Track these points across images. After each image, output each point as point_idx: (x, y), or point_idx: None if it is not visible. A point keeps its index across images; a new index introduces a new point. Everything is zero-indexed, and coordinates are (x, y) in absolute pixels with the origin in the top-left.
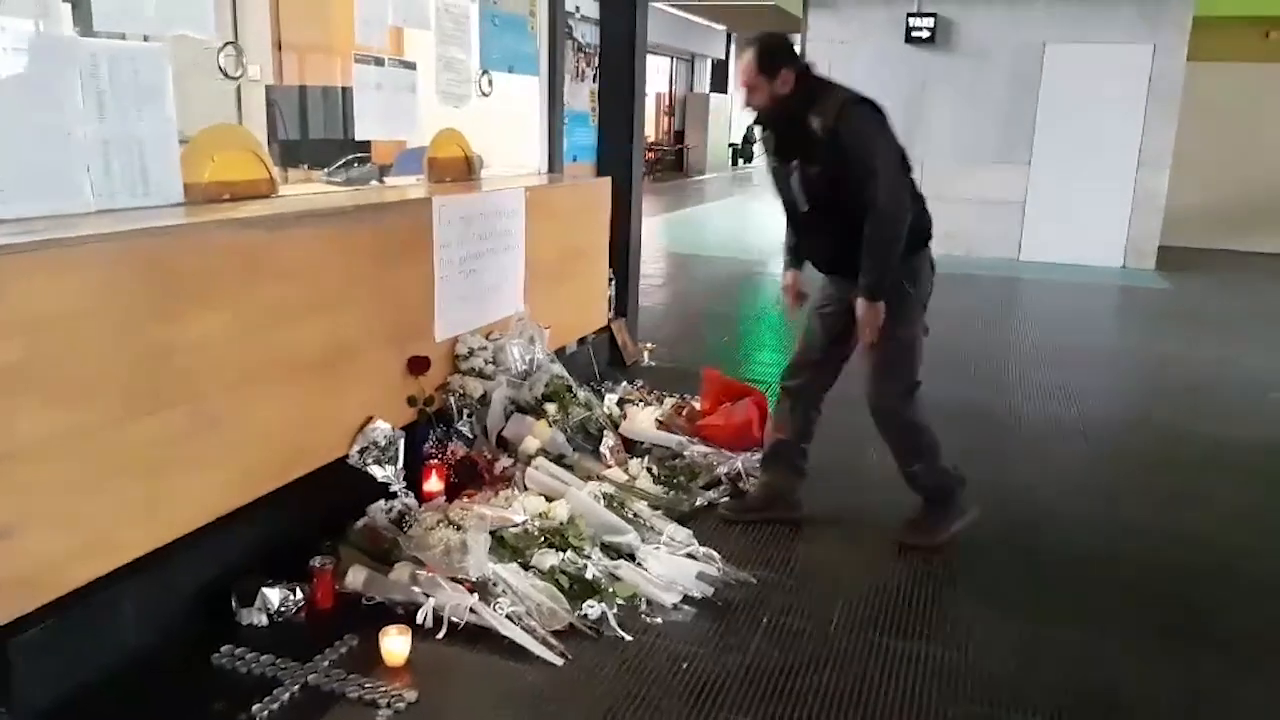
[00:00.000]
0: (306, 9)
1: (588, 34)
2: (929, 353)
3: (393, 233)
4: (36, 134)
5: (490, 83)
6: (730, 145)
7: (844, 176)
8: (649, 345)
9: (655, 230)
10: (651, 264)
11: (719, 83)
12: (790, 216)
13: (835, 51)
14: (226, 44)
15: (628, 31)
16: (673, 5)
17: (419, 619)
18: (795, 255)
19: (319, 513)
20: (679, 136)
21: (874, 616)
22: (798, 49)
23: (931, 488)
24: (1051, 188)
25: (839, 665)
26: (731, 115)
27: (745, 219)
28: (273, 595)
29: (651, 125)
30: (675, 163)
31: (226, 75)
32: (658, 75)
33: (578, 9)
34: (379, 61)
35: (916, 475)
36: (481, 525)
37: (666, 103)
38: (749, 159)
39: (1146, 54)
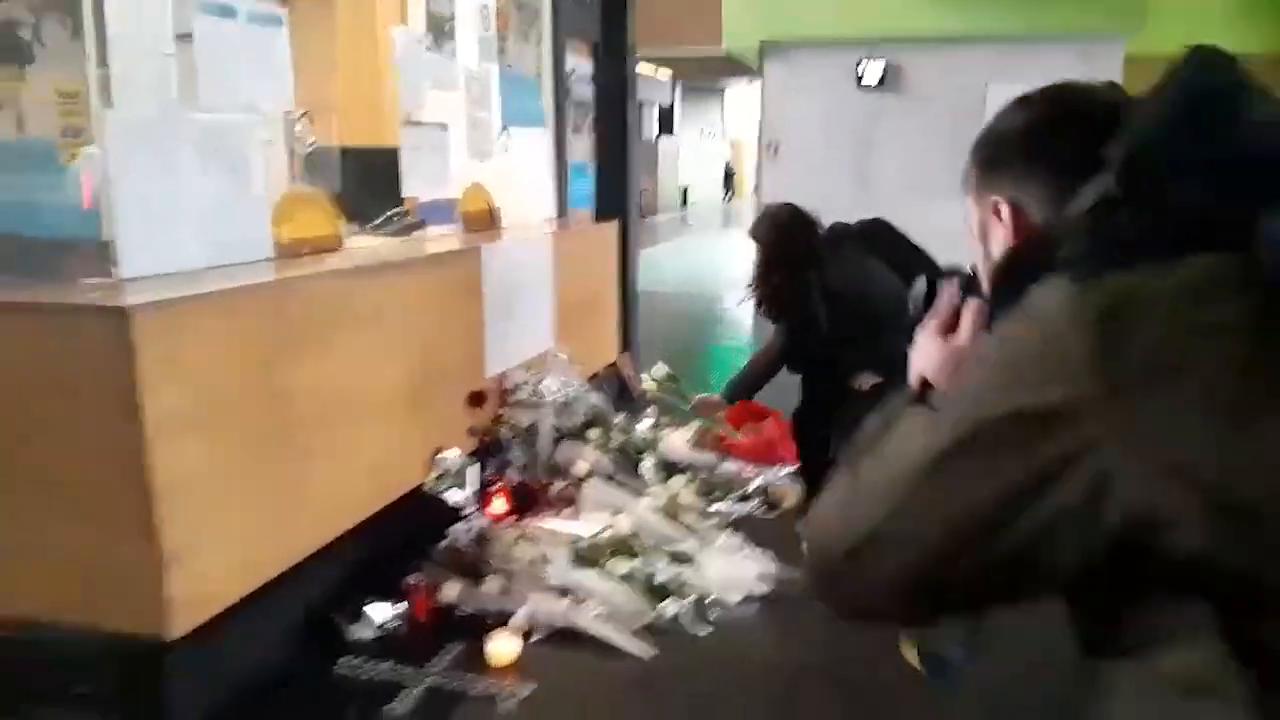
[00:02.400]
0: (333, 75)
1: (583, 91)
2: None
3: (450, 278)
4: (154, 200)
5: (509, 138)
6: (680, 188)
7: None
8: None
9: None
10: None
11: (666, 127)
12: None
13: (790, 98)
14: (303, 114)
15: (619, 87)
16: None
17: (514, 623)
18: None
19: (404, 537)
20: None
21: None
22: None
23: None
24: None
25: (892, 646)
26: (679, 158)
27: (695, 257)
28: (377, 611)
29: None
30: None
31: (301, 144)
32: None
33: (574, 69)
34: (419, 124)
35: None
36: (556, 539)
37: None
38: (730, 193)
39: None
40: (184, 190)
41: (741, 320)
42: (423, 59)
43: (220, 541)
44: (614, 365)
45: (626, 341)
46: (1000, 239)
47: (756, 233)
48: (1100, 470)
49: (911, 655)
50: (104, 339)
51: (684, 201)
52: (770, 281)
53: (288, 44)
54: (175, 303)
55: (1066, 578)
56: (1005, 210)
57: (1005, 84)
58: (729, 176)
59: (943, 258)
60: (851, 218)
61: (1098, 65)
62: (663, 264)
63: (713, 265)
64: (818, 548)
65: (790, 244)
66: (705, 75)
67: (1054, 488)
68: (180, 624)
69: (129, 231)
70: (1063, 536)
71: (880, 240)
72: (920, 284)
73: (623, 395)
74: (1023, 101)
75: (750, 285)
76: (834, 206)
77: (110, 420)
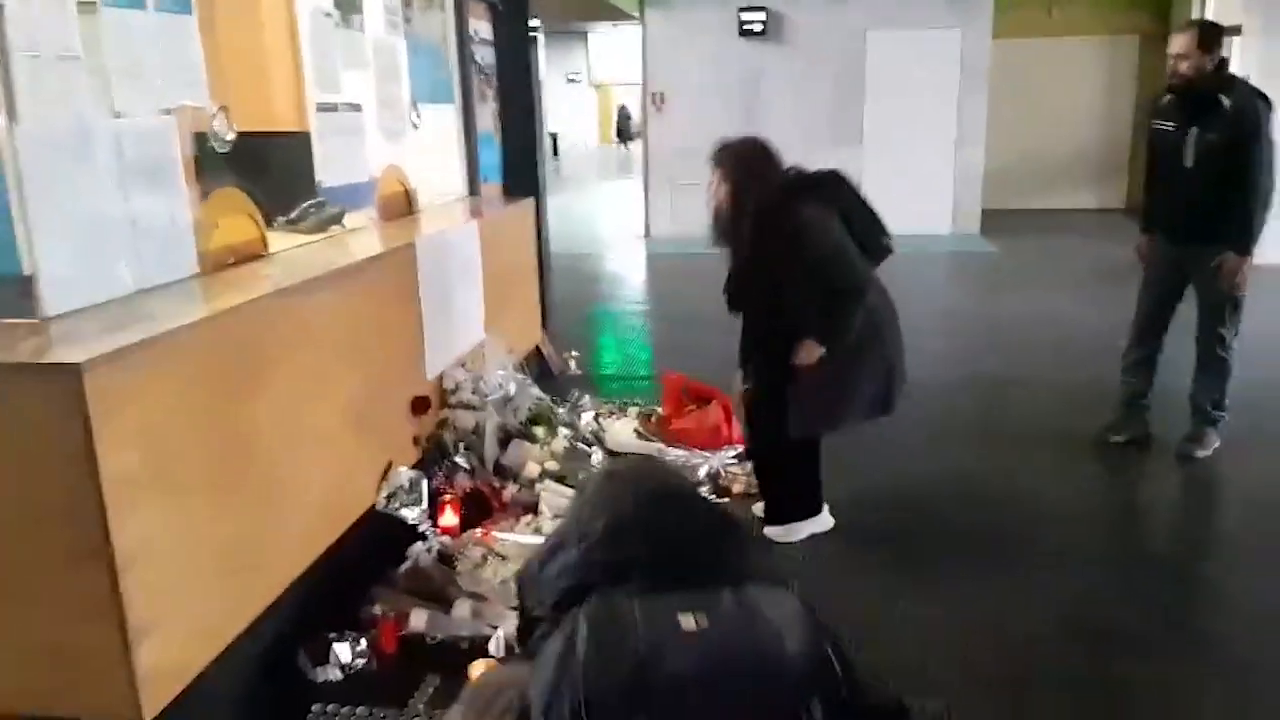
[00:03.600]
0: (231, 54)
1: (485, 56)
2: None
3: (389, 280)
4: (76, 223)
5: (419, 115)
6: (550, 134)
7: (1235, 145)
8: (573, 354)
9: None
10: None
11: None
12: (1163, 176)
13: (672, 48)
14: (220, 109)
15: (523, 52)
16: None
17: (492, 649)
18: (1150, 220)
19: (360, 563)
20: None
21: (877, 580)
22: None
23: (1211, 413)
24: (883, 165)
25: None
26: (546, 105)
27: (586, 211)
28: (342, 650)
29: None
30: None
31: (219, 138)
32: None
33: (476, 33)
34: (333, 108)
35: (1208, 406)
36: (526, 553)
37: None
38: (626, 138)
39: (956, 37)
40: (105, 208)
41: (629, 278)
42: (332, 35)
43: (187, 606)
44: (536, 346)
45: (545, 318)
46: None
47: (720, 158)
48: None
49: None
50: (52, 399)
51: (555, 150)
52: (737, 207)
53: (198, 31)
54: (125, 352)
55: None
56: None
57: (884, 30)
58: (626, 120)
59: None
60: None
61: (970, 10)
62: (553, 220)
63: (592, 219)
64: None
65: (756, 171)
66: (568, 18)
67: None
68: (153, 703)
69: (51, 263)
70: None
71: (837, 192)
72: None
73: (544, 374)
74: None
75: (716, 212)
76: None
77: (64, 489)
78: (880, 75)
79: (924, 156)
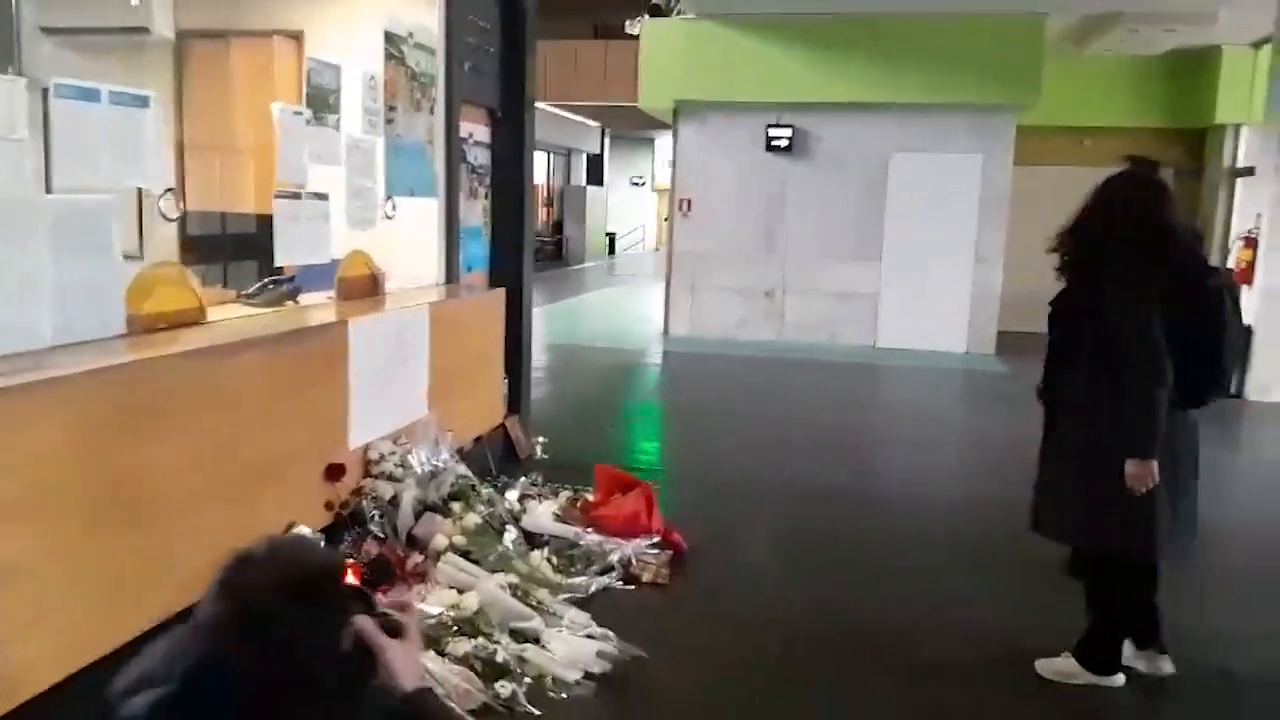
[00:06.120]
0: (208, 130)
1: (479, 156)
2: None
3: (313, 353)
4: (4, 284)
5: (394, 207)
6: (608, 234)
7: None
8: (540, 439)
9: (538, 322)
10: (536, 356)
11: (594, 176)
12: None
13: (703, 158)
14: (166, 190)
15: (516, 154)
16: (552, 105)
17: None
18: None
19: None
20: (558, 227)
21: (747, 684)
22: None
23: None
24: (901, 281)
25: None
26: (607, 205)
27: (621, 308)
28: None
29: None
30: (555, 252)
31: (166, 218)
32: (537, 169)
33: (470, 135)
34: (297, 195)
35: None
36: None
37: (545, 194)
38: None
39: (977, 163)
40: (32, 272)
41: (636, 374)
42: (301, 132)
43: (57, 624)
44: (501, 426)
45: (515, 403)
46: None
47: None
48: None
49: None
50: None
51: (611, 249)
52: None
53: (156, 122)
54: (6, 393)
55: None
56: None
57: (907, 154)
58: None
59: (846, 319)
60: (763, 277)
61: (991, 137)
62: (585, 315)
63: (624, 317)
64: None
65: (1129, 203)
66: (633, 125)
67: None
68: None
69: None
70: None
71: (1203, 302)
72: None
73: (509, 457)
74: None
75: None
76: (746, 265)
77: None
78: (902, 195)
79: (943, 275)
